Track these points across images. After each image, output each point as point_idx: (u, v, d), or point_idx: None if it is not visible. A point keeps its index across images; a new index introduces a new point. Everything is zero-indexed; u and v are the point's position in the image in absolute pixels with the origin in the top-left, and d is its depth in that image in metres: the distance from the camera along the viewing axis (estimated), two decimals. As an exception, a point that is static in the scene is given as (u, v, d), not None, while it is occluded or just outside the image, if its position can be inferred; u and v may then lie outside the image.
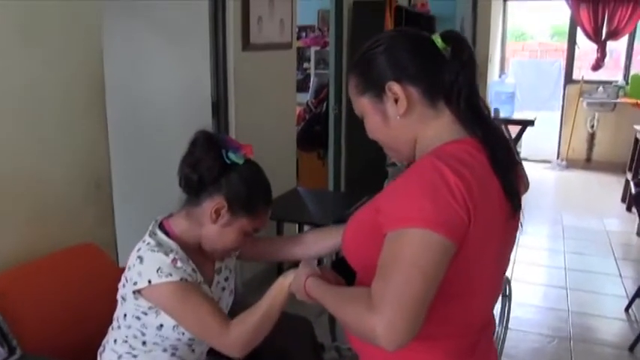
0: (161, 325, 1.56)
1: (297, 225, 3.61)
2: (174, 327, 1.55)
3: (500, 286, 1.29)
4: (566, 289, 4.18)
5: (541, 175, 7.77)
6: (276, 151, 3.76)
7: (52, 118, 2.22)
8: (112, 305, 1.72)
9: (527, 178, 1.31)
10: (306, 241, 1.75)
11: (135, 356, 1.64)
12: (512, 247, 1.27)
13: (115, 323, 1.68)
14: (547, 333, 3.58)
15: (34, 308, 1.92)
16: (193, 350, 1.69)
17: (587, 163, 8.17)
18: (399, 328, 0.98)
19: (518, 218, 1.22)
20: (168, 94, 3.35)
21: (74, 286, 2.07)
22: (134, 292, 1.52)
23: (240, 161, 1.55)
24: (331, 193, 4.75)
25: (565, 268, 4.55)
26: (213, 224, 1.57)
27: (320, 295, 1.26)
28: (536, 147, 8.14)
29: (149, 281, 1.48)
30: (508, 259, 1.28)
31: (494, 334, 1.40)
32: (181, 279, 1.49)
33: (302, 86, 6.29)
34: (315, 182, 5.00)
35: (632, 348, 3.35)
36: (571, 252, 4.91)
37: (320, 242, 1.71)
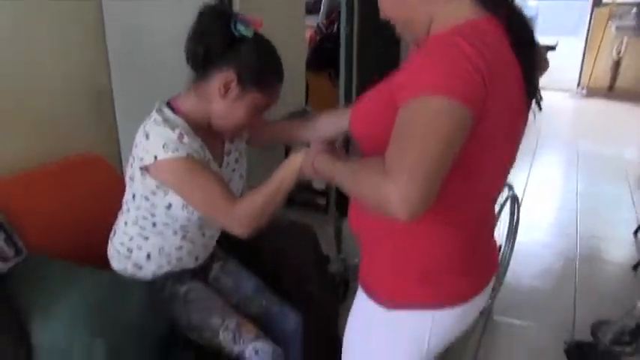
0: (170, 205, 1.56)
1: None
2: (182, 206, 1.56)
3: (504, 179, 1.26)
4: (577, 212, 4.16)
5: (560, 103, 7.62)
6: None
7: (51, 29, 2.19)
8: (116, 209, 1.74)
9: (546, 60, 1.26)
10: (318, 123, 1.72)
11: (146, 238, 1.66)
12: (521, 139, 1.22)
13: (124, 206, 1.70)
14: (554, 253, 3.59)
15: (39, 213, 1.94)
16: (204, 234, 1.72)
17: (610, 91, 7.94)
18: (413, 195, 0.94)
19: (530, 106, 1.19)
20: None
21: (78, 193, 2.09)
22: (141, 170, 1.51)
23: (250, 34, 1.49)
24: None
25: (577, 193, 4.52)
26: (223, 99, 1.52)
27: (330, 168, 1.25)
28: (557, 74, 7.91)
29: (155, 157, 1.46)
30: (515, 152, 1.23)
31: (494, 231, 1.38)
32: (188, 155, 1.46)
33: (313, 8, 6.10)
34: (326, 105, 4.93)
35: (635, 267, 3.37)
36: (585, 177, 4.86)
37: (331, 124, 1.67)
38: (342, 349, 1.43)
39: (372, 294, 1.28)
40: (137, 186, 1.57)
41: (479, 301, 1.30)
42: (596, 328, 2.62)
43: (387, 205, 0.97)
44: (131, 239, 1.68)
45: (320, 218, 3.02)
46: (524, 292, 3.16)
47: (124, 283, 1.67)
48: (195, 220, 1.61)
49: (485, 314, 2.91)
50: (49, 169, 2.11)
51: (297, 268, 2.05)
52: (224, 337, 1.66)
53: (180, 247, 1.69)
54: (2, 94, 2.02)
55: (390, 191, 0.96)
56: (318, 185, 3.49)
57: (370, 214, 1.23)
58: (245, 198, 1.49)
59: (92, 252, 1.84)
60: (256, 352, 1.67)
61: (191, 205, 1.54)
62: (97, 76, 2.44)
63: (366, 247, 1.31)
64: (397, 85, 1.06)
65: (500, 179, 1.24)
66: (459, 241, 1.21)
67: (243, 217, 1.48)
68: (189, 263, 1.75)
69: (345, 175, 1.18)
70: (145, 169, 1.51)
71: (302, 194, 3.62)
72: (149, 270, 1.71)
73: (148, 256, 1.68)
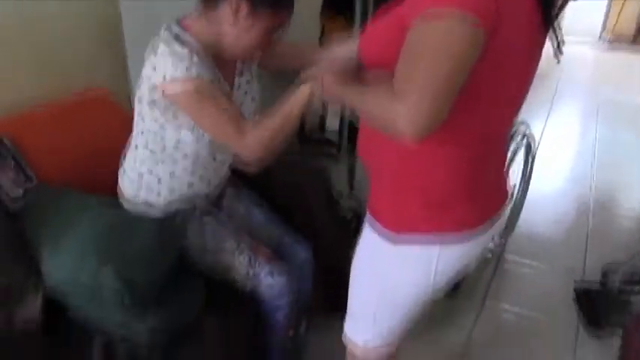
0: (179, 127, 1.54)
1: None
2: (192, 129, 1.54)
3: (515, 110, 1.22)
4: (593, 160, 4.11)
5: (581, 52, 7.43)
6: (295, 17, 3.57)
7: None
8: (126, 143, 1.74)
9: None
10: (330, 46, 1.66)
11: (156, 162, 1.64)
12: (537, 66, 1.18)
13: (135, 130, 1.67)
14: (568, 199, 3.57)
15: (48, 149, 1.92)
16: (215, 158, 1.69)
17: (634, 42, 7.73)
18: (422, 115, 0.93)
19: (547, 33, 1.14)
20: None
21: (87, 128, 2.06)
22: (149, 89, 1.48)
23: None
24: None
25: (595, 141, 4.45)
26: (233, 23, 1.47)
27: (340, 89, 1.22)
28: (579, 23, 7.71)
29: (164, 76, 1.42)
30: (528, 84, 1.19)
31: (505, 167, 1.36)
32: (198, 75, 1.42)
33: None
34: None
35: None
36: (604, 126, 4.77)
37: (343, 50, 1.60)
38: (350, 278, 1.43)
39: (377, 223, 1.27)
40: (145, 108, 1.54)
41: (486, 233, 1.28)
42: (606, 271, 2.62)
43: (395, 125, 0.95)
44: (142, 163, 1.66)
45: (333, 158, 3.00)
46: (537, 236, 3.15)
47: (133, 210, 1.68)
48: (206, 143, 1.59)
49: (497, 255, 2.92)
50: (57, 104, 2.07)
51: (308, 207, 2.04)
52: (239, 261, 1.67)
53: (192, 172, 1.67)
54: (7, 29, 1.97)
55: (398, 112, 0.94)
56: (332, 126, 3.47)
57: (377, 141, 1.21)
58: (256, 124, 1.47)
59: (102, 186, 1.82)
60: (271, 274, 1.68)
61: (201, 128, 1.52)
62: (104, 4, 2.38)
63: (374, 175, 1.30)
64: (407, 6, 1.02)
65: (510, 107, 1.20)
66: (465, 165, 1.17)
67: (253, 143, 1.46)
68: (202, 189, 1.73)
69: (354, 96, 1.17)
70: (153, 89, 1.47)
71: (315, 134, 3.60)
72: (161, 195, 1.69)
73: (159, 181, 1.67)
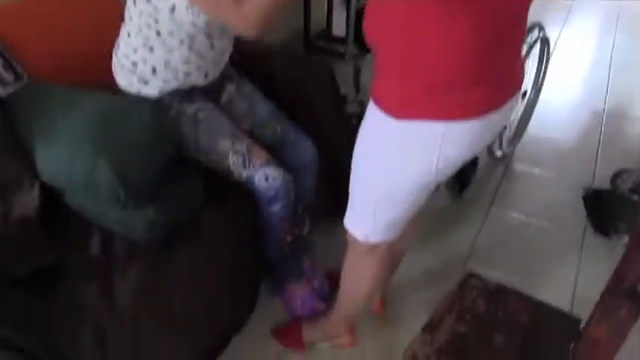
0: (173, 7, 1.47)
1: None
2: (187, 8, 1.46)
3: None
4: (610, 68, 3.97)
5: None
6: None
7: None
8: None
9: None
10: None
11: (151, 49, 1.57)
12: None
13: (126, 15, 1.59)
14: (581, 105, 3.48)
15: (37, 40, 1.83)
16: (212, 45, 1.62)
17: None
18: None
19: None
20: None
21: (78, 18, 1.95)
22: None
23: None
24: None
25: (612, 48, 4.29)
26: None
27: None
28: None
29: None
30: None
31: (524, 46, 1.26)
32: None
33: None
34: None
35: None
36: (623, 33, 4.58)
37: None
38: (352, 160, 1.39)
39: (381, 104, 1.21)
40: None
41: (495, 121, 1.22)
42: (616, 176, 2.58)
43: None
44: (135, 51, 1.59)
45: (339, 62, 2.90)
46: (547, 142, 3.09)
47: (128, 102, 1.60)
48: (202, 26, 1.51)
49: (505, 161, 2.87)
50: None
51: (312, 103, 1.97)
52: (233, 161, 1.62)
53: (188, 61, 1.59)
54: None
55: None
56: (338, 32, 3.34)
57: (382, 18, 1.13)
58: None
59: (95, 77, 1.75)
60: (266, 178, 1.64)
61: (195, 4, 1.44)
62: None
63: (379, 56, 1.22)
64: None
65: None
66: (475, 41, 1.08)
67: (251, 13, 1.37)
68: (199, 80, 1.66)
69: None
70: None
71: (320, 42, 3.48)
72: (155, 85, 1.62)
73: (154, 70, 1.60)
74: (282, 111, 1.89)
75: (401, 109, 1.18)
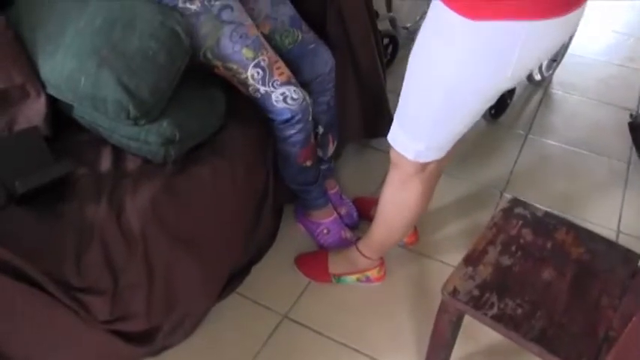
0: None
1: None
2: None
3: None
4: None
5: None
6: None
7: None
8: None
9: None
10: None
11: None
12: None
13: None
14: (623, 28, 3.25)
15: None
16: None
17: None
18: None
19: None
20: None
21: None
22: None
23: None
24: None
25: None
26: None
27: None
28: None
29: None
30: None
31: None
32: None
33: None
34: None
35: None
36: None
37: None
38: (408, 70, 1.23)
39: (451, 2, 1.06)
40: None
41: (573, 20, 1.09)
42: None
43: None
44: None
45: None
46: (587, 66, 2.89)
47: (135, 5, 1.39)
48: None
49: (544, 85, 2.69)
50: None
51: (341, 9, 1.78)
52: (252, 74, 1.46)
53: None
54: None
55: None
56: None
57: None
58: None
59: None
60: (284, 98, 1.50)
61: None
62: None
63: None
64: None
65: None
66: None
67: None
68: None
69: None
70: None
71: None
72: None
73: None
74: (307, 19, 1.71)
75: (479, 7, 1.03)
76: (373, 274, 1.72)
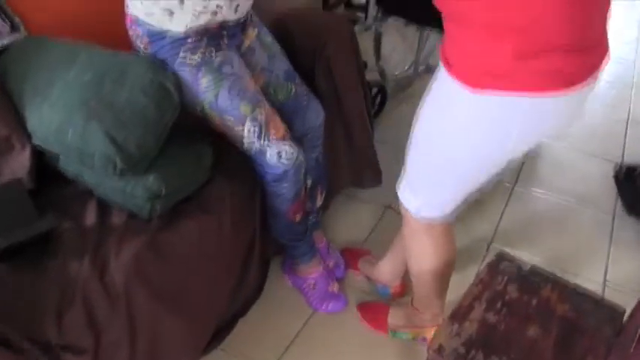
0: None
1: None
2: None
3: None
4: (637, 41, 3.80)
5: None
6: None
7: None
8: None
9: None
10: None
11: None
12: None
13: None
14: (609, 79, 3.32)
15: None
16: None
17: None
18: None
19: None
20: None
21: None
22: None
23: None
24: None
25: (639, 23, 4.11)
26: None
27: None
28: None
29: None
30: None
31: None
32: None
33: None
34: None
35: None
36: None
37: None
38: (413, 127, 1.27)
39: (455, 72, 1.09)
40: None
41: (581, 95, 1.09)
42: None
43: None
44: None
45: (359, 27, 2.73)
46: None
47: (125, 60, 1.42)
48: None
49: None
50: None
51: (330, 61, 1.81)
52: (249, 129, 1.47)
53: None
54: None
55: None
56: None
57: None
58: None
59: (104, 35, 1.60)
60: (279, 154, 1.50)
61: None
62: None
63: (453, 24, 1.10)
64: None
65: None
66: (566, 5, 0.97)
67: None
68: (229, 14, 1.45)
69: None
70: None
71: (339, 9, 3.33)
72: (182, 19, 1.38)
73: (181, 1, 1.36)
74: (298, 69, 1.74)
75: (480, 79, 1.06)
76: (429, 334, 1.67)
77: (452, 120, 1.15)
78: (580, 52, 1.05)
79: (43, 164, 1.43)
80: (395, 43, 2.99)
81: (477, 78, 1.06)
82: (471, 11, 1.03)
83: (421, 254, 1.47)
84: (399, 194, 1.40)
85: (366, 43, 2.63)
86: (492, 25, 1.01)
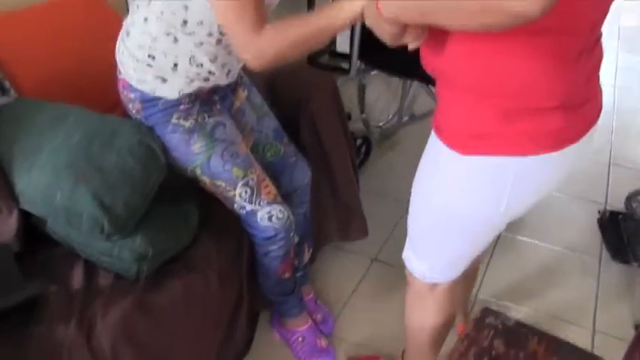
0: None
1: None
2: None
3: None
4: (614, 87, 3.89)
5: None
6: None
7: None
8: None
9: None
10: None
11: (175, 40, 1.34)
12: None
13: (141, 0, 1.34)
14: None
15: (29, 57, 1.75)
16: None
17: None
18: None
19: None
20: None
21: (73, 33, 1.87)
22: None
23: None
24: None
25: (616, 68, 4.22)
26: None
27: (398, 5, 0.98)
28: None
29: None
30: None
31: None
32: None
33: None
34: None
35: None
36: (625, 53, 4.52)
37: None
38: (412, 192, 1.27)
39: (444, 137, 1.11)
40: None
41: (572, 154, 1.08)
42: (631, 198, 2.47)
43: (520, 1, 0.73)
44: (154, 40, 1.35)
45: (342, 79, 2.79)
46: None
47: (113, 123, 1.45)
48: None
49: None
50: (42, 6, 1.87)
51: (314, 117, 1.85)
52: (240, 192, 1.48)
53: (215, 58, 1.39)
54: None
55: None
56: (341, 47, 3.25)
57: (445, 44, 1.01)
58: (277, 27, 1.19)
59: (93, 99, 1.65)
60: (270, 217, 1.52)
61: (212, 8, 1.23)
62: None
63: (441, 87, 1.12)
64: None
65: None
66: (550, 60, 0.96)
67: (266, 48, 1.19)
68: (221, 79, 1.46)
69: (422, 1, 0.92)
70: None
71: (323, 58, 3.39)
72: (175, 85, 1.39)
73: (175, 67, 1.37)
74: (284, 122, 1.76)
75: (467, 143, 1.07)
76: None
77: (446, 182, 1.16)
78: (576, 109, 1.05)
79: (31, 225, 1.44)
80: (379, 92, 3.05)
81: (464, 141, 1.07)
82: (456, 75, 1.04)
83: (422, 313, 1.46)
84: (405, 260, 1.39)
85: (350, 91, 2.69)
86: (479, 90, 1.02)
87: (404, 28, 1.01)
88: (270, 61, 1.21)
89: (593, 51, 1.05)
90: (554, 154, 1.05)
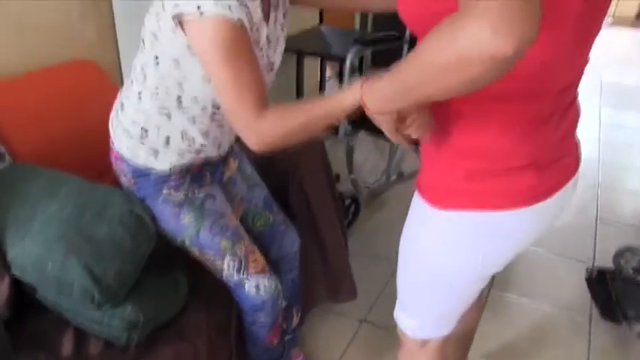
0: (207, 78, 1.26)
1: (319, 59, 3.40)
2: None
3: (590, 39, 1.02)
4: (599, 142, 3.98)
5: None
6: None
7: None
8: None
9: None
10: None
11: (168, 116, 1.35)
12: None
13: (139, 74, 1.34)
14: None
15: (25, 123, 1.78)
16: None
17: (638, 20, 7.56)
18: (519, 18, 0.71)
19: None
20: None
21: (68, 101, 1.92)
22: (173, 19, 1.14)
23: None
24: (357, 31, 4.40)
25: (600, 123, 4.32)
26: None
27: (381, 94, 1.00)
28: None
29: (199, 7, 1.09)
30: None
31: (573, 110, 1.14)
32: (238, 19, 1.12)
33: None
34: (341, 22, 4.66)
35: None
36: (608, 108, 4.64)
37: None
38: (399, 250, 1.29)
39: (425, 193, 1.14)
40: (165, 46, 1.22)
41: (548, 209, 1.09)
42: (619, 255, 2.48)
43: (484, 37, 0.72)
44: (148, 118, 1.37)
45: (330, 141, 2.84)
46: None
47: (104, 193, 1.48)
48: None
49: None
50: (37, 73, 1.92)
51: (302, 181, 1.88)
52: (228, 264, 1.50)
53: (207, 133, 1.41)
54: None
55: (479, 24, 0.72)
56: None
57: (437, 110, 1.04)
58: (277, 112, 1.17)
59: (87, 164, 1.69)
60: (257, 287, 1.53)
61: (214, 88, 1.23)
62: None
63: (423, 146, 1.15)
64: None
65: (580, 45, 0.99)
66: (516, 125, 0.98)
67: (267, 132, 1.18)
68: (212, 152, 1.49)
69: (403, 72, 0.91)
70: (178, 21, 1.14)
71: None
72: (166, 158, 1.42)
73: (167, 141, 1.39)
74: (271, 188, 1.79)
75: (442, 199, 1.10)
76: None
77: (429, 237, 1.17)
78: (549, 165, 1.06)
79: (21, 291, 1.43)
80: (367, 152, 3.11)
81: (442, 197, 1.10)
82: (433, 135, 1.07)
83: None
84: (396, 318, 1.39)
85: (339, 153, 2.73)
86: (449, 150, 1.04)
87: (401, 118, 1.03)
88: (271, 146, 1.21)
89: (567, 111, 1.08)
90: (530, 209, 1.06)
